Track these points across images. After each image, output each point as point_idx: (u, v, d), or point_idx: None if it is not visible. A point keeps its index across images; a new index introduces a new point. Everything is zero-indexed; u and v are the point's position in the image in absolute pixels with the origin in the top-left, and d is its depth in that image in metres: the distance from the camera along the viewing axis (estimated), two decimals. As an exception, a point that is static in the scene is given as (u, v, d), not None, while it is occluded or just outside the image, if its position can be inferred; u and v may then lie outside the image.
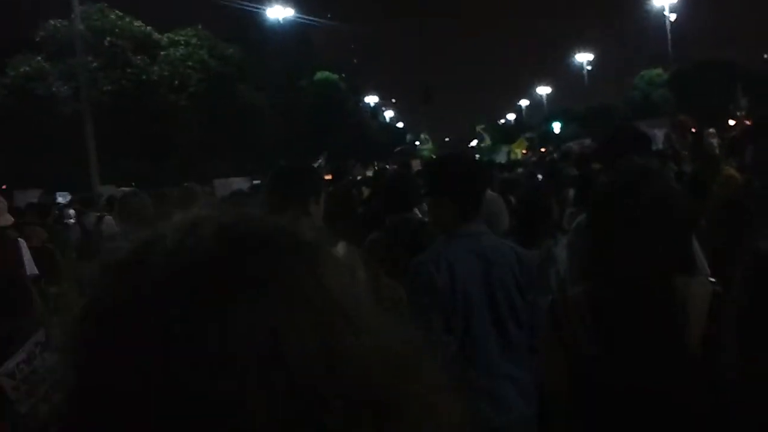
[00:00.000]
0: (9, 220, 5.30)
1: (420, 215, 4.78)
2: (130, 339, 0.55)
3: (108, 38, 24.00)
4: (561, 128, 63.37)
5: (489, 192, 6.27)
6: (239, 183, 17.08)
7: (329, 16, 56.65)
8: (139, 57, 24.78)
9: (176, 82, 25.41)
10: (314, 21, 50.03)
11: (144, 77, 24.40)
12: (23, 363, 4.26)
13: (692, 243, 2.38)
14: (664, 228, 2.01)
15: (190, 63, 26.32)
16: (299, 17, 44.49)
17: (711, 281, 2.11)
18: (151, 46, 25.98)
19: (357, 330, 0.61)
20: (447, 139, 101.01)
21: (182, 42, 27.06)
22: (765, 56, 54.29)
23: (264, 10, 40.38)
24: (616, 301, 2.01)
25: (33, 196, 15.29)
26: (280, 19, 40.94)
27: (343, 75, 52.86)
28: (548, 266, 4.24)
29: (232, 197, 9.81)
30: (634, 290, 2.00)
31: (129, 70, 24.18)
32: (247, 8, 37.42)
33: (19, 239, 5.30)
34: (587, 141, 38.79)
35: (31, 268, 5.10)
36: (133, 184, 20.44)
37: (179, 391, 0.54)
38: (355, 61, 78.78)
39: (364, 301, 0.66)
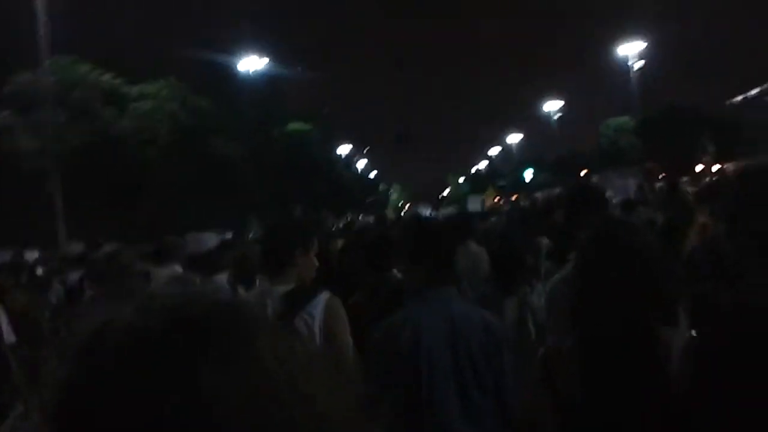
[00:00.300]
0: None
1: (399, 275, 4.81)
2: (98, 407, 0.67)
3: (77, 91, 23.74)
4: (533, 175, 63.96)
5: (472, 244, 6.36)
6: (210, 238, 16.83)
7: (299, 69, 56.94)
8: (107, 109, 24.51)
9: (144, 134, 25.15)
10: (286, 72, 50.30)
11: (112, 131, 24.11)
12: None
13: (674, 295, 2.44)
14: (646, 283, 2.11)
15: (159, 116, 26.12)
16: (271, 68, 44.68)
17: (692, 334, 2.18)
18: (120, 98, 25.74)
19: (287, 396, 0.70)
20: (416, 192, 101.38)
21: (152, 94, 26.89)
22: (727, 102, 55.39)
23: (236, 61, 40.56)
24: (604, 353, 2.10)
25: (1, 255, 14.69)
26: (251, 71, 41.06)
27: (315, 125, 52.93)
28: (525, 313, 4.46)
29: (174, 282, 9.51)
30: (620, 343, 2.08)
31: (97, 123, 23.89)
32: (219, 60, 37.54)
33: None
34: (557, 190, 39.34)
35: (8, 335, 4.99)
36: (100, 240, 20.05)
37: None
38: (326, 110, 79.14)
39: (302, 368, 0.73)
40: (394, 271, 4.68)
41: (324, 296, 3.39)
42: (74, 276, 9.24)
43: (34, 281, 9.80)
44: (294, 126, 47.39)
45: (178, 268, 7.54)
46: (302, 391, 0.71)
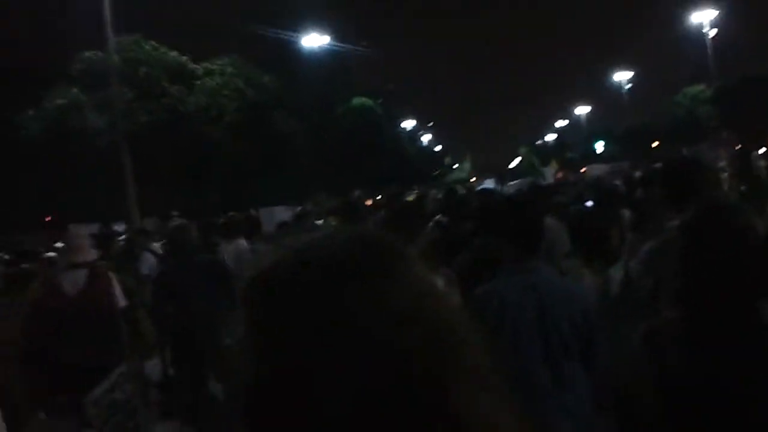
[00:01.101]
0: (94, 254, 5.57)
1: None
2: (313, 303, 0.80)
3: (143, 69, 24.00)
4: (604, 147, 62.40)
5: (548, 219, 6.10)
6: (282, 212, 17.02)
7: (364, 44, 56.51)
8: (175, 87, 24.73)
9: (213, 111, 25.30)
10: (350, 48, 49.96)
11: (180, 108, 24.33)
12: (107, 392, 4.78)
13: None
14: (748, 256, 2.21)
15: (226, 92, 26.23)
16: (335, 45, 44.45)
17: None
18: (187, 76, 25.94)
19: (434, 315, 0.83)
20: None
21: (218, 71, 27.01)
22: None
23: (299, 38, 40.40)
24: (710, 325, 2.19)
25: (89, 229, 14.84)
26: (316, 47, 40.83)
27: (380, 100, 52.56)
28: (608, 287, 4.27)
29: (279, 229, 10.02)
30: (725, 315, 2.17)
31: (165, 101, 24.14)
32: (283, 37, 37.47)
33: (109, 272, 5.45)
34: (625, 164, 38.15)
35: (121, 299, 5.27)
36: (174, 215, 20.28)
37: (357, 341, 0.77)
38: (391, 86, 78.57)
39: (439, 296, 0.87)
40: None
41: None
42: (156, 246, 9.65)
43: (126, 253, 9.66)
44: (358, 101, 47.14)
45: (243, 242, 7.79)
46: (444, 313, 0.84)
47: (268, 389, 0.80)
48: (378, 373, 0.75)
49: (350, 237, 0.86)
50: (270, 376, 0.79)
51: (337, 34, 44.34)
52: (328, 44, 43.39)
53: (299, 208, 16.64)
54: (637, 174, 12.90)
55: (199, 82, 26.05)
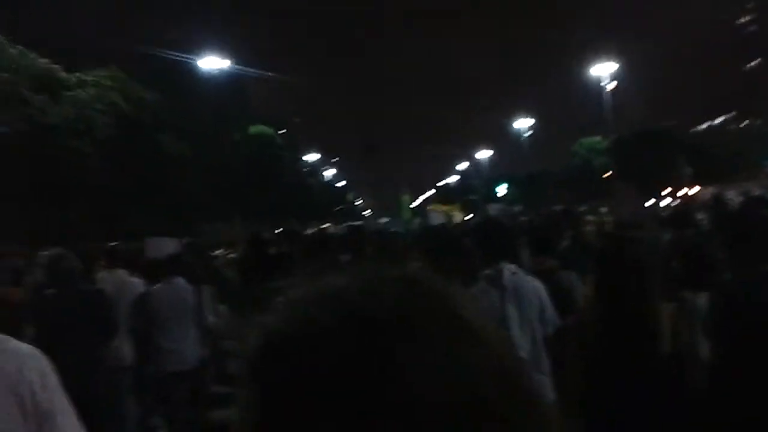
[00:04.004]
0: None
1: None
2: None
3: (4, 74, 21.34)
4: (507, 191, 62.91)
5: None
6: (170, 243, 15.04)
7: (269, 74, 54.96)
8: (38, 96, 22.09)
9: (81, 125, 22.77)
10: (251, 72, 48.27)
11: (42, 119, 21.69)
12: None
13: None
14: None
15: (98, 106, 23.78)
16: (234, 68, 42.69)
17: None
18: (56, 85, 23.35)
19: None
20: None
21: (92, 83, 24.56)
22: (691, 129, 54.77)
23: (196, 60, 38.46)
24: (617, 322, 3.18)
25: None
26: (211, 70, 38.82)
27: (280, 131, 51.02)
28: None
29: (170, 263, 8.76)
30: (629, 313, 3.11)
31: (26, 110, 21.49)
32: (176, 58, 35.45)
33: None
34: (517, 209, 38.28)
35: None
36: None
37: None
38: (297, 119, 76.95)
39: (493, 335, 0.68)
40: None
41: None
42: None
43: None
44: (256, 129, 45.32)
45: (123, 273, 7.67)
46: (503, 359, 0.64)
47: None
48: None
49: (398, 279, 0.65)
50: None
51: (236, 59, 42.71)
52: (228, 68, 41.62)
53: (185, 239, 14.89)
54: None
55: (69, 93, 23.48)
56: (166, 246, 13.29)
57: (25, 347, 1.76)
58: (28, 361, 1.73)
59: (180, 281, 6.90)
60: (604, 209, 19.02)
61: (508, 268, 4.30)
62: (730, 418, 2.99)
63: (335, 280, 0.65)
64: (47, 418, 1.70)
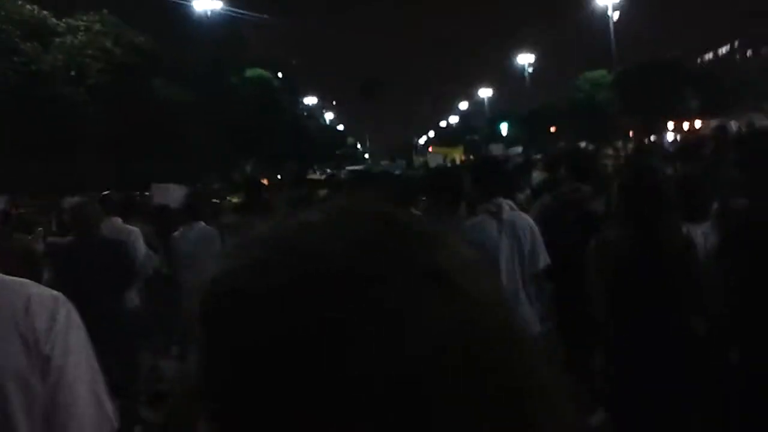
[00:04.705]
0: None
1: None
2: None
3: (-7, 22, 20.66)
4: (508, 130, 62.27)
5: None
6: (177, 190, 14.82)
7: (265, 16, 53.78)
8: (29, 44, 21.41)
9: (72, 72, 22.13)
10: (247, 15, 47.24)
11: (34, 67, 21.06)
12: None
13: None
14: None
15: (89, 51, 23.09)
16: (230, 11, 41.77)
17: None
18: (46, 32, 22.63)
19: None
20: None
21: (82, 28, 23.82)
22: (709, 56, 53.73)
23: (190, 2, 37.57)
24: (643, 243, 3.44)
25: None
26: (207, 12, 37.91)
27: (279, 74, 50.18)
28: None
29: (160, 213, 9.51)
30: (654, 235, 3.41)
31: (16, 59, 20.86)
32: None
33: None
34: (518, 149, 37.79)
35: None
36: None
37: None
38: (294, 62, 75.75)
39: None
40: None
41: None
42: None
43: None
44: (253, 72, 44.50)
45: (117, 220, 7.65)
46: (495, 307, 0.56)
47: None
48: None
49: (369, 216, 0.57)
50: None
51: (234, 2, 41.82)
52: (222, 9, 40.69)
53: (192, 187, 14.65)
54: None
55: (59, 40, 22.78)
56: (172, 193, 13.41)
57: (47, 292, 1.68)
58: (49, 303, 1.64)
59: (201, 224, 7.36)
60: (619, 143, 19.00)
61: (508, 203, 4.60)
62: (746, 337, 3.06)
63: (297, 218, 0.57)
64: (55, 358, 1.62)
